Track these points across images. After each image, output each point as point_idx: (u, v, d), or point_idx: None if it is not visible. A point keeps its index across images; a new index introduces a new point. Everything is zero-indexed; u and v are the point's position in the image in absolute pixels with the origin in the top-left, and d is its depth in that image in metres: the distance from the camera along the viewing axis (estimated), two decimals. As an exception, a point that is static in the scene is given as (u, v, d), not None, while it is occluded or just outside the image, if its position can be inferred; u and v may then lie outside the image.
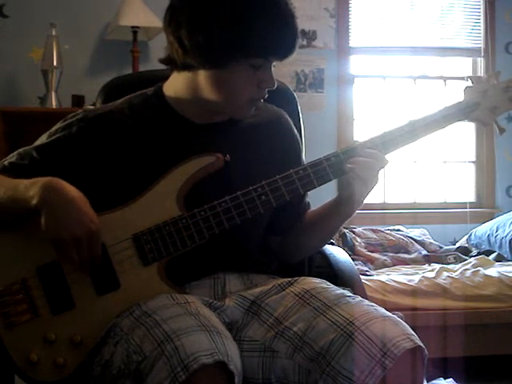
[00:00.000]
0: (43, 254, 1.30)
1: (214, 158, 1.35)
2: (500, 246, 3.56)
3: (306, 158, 1.58)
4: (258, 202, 1.33)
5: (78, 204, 1.26)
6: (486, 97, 1.44)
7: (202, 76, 1.35)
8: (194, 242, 1.32)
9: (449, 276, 3.04)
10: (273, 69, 1.36)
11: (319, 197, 1.54)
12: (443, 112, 1.42)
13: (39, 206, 1.25)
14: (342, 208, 1.43)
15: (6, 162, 1.40)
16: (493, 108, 1.44)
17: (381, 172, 1.37)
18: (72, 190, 1.27)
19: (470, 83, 1.46)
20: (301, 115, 1.73)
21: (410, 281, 2.97)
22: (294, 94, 1.76)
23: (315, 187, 1.37)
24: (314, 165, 1.36)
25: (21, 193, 1.28)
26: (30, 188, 1.27)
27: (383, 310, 1.25)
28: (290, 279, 1.39)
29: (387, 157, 1.38)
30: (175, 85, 1.42)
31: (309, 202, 1.58)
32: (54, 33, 3.34)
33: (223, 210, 1.32)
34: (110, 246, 1.31)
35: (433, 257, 3.50)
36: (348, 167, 1.34)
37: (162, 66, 1.44)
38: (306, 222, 1.54)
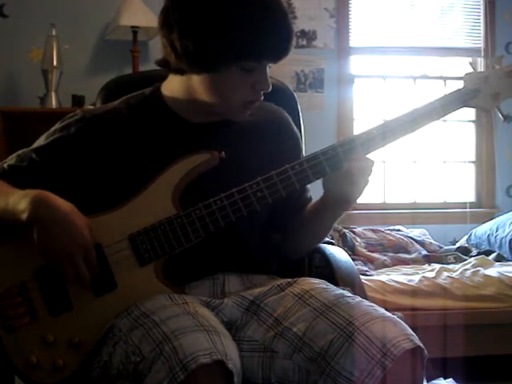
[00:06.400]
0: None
1: (209, 155, 1.35)
2: (500, 246, 3.56)
3: (305, 158, 1.57)
4: (253, 198, 1.32)
5: (68, 218, 1.26)
6: (487, 83, 1.40)
7: (196, 79, 1.35)
8: (190, 240, 1.32)
9: (449, 276, 3.03)
10: (268, 70, 1.35)
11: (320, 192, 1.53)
12: (443, 100, 1.39)
13: (29, 221, 1.25)
14: (329, 207, 1.43)
15: (5, 165, 1.40)
16: (494, 94, 1.40)
17: (373, 173, 1.36)
18: (61, 204, 1.27)
19: (470, 69, 1.42)
20: (301, 115, 1.73)
21: (409, 281, 2.97)
22: (294, 94, 1.76)
23: (311, 181, 1.36)
24: (310, 159, 1.34)
25: (11, 206, 1.28)
26: (20, 201, 1.27)
27: (383, 311, 1.25)
28: (289, 280, 1.38)
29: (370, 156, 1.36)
30: (172, 86, 1.42)
31: (310, 196, 1.58)
32: (54, 33, 3.34)
33: (218, 207, 1.31)
34: (107, 246, 1.31)
35: (433, 257, 3.50)
36: (347, 167, 1.34)
37: (162, 66, 1.44)
38: (303, 217, 1.54)
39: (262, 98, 1.38)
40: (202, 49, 1.29)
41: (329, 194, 1.41)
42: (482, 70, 4.04)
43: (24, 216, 1.26)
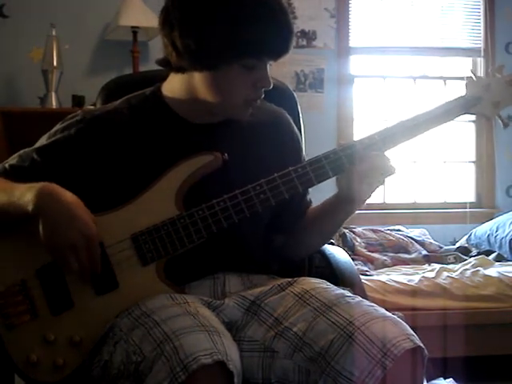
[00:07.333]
0: (43, 254, 1.29)
1: (213, 157, 1.35)
2: (500, 246, 3.56)
3: (305, 158, 1.57)
4: (256, 200, 1.33)
5: (73, 210, 1.26)
6: (489, 91, 1.41)
7: (197, 78, 1.35)
8: (192, 241, 1.32)
9: (449, 276, 3.03)
10: (269, 68, 1.35)
11: (322, 194, 1.53)
12: (444, 107, 1.40)
13: (35, 212, 1.25)
14: (343, 206, 1.43)
15: (6, 165, 1.40)
16: (496, 102, 1.42)
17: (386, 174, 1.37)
18: (67, 196, 1.27)
19: (472, 77, 1.43)
20: (301, 115, 1.73)
21: (410, 281, 2.97)
22: (294, 94, 1.75)
23: (314, 185, 1.36)
24: (313, 162, 1.35)
25: (16, 198, 1.28)
26: (26, 193, 1.27)
27: (383, 310, 1.25)
28: (289, 279, 1.38)
29: (393, 162, 1.37)
30: (173, 85, 1.42)
31: (310, 199, 1.58)
32: (53, 33, 3.34)
33: (221, 209, 1.32)
34: (109, 246, 1.31)
35: (433, 257, 3.50)
36: (348, 166, 1.34)
37: (162, 66, 1.44)
38: (307, 219, 1.54)
39: (263, 96, 1.38)
40: (203, 47, 1.29)
41: (340, 191, 1.41)
42: (482, 70, 4.04)
43: (29, 207, 1.26)
